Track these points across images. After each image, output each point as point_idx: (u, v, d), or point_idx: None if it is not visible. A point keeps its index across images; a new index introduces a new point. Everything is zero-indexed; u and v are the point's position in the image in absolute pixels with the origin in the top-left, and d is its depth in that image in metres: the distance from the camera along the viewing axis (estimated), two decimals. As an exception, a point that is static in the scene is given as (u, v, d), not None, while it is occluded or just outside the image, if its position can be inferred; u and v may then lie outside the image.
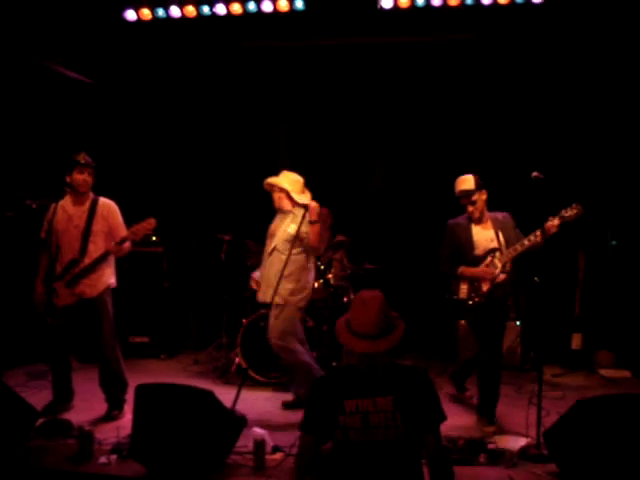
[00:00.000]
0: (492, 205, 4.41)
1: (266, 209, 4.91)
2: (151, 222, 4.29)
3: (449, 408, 4.40)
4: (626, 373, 5.69)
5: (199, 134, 7.26)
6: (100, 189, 4.61)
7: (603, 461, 3.08)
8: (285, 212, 4.76)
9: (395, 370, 2.66)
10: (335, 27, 5.89)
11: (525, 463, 3.52)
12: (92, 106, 6.85)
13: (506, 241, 4.24)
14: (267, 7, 5.58)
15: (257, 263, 5.22)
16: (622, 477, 3.05)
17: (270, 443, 3.60)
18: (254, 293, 5.00)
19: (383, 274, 6.15)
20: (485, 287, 4.21)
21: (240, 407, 4.01)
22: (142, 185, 7.06)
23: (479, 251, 4.26)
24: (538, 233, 4.02)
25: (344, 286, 5.93)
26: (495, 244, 4.25)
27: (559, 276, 6.07)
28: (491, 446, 3.57)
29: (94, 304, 4.42)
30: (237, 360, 5.52)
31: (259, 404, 4.85)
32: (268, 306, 4.60)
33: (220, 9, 5.66)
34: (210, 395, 3.36)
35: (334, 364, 5.57)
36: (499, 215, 4.38)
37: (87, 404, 4.63)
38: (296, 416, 4.26)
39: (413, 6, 5.46)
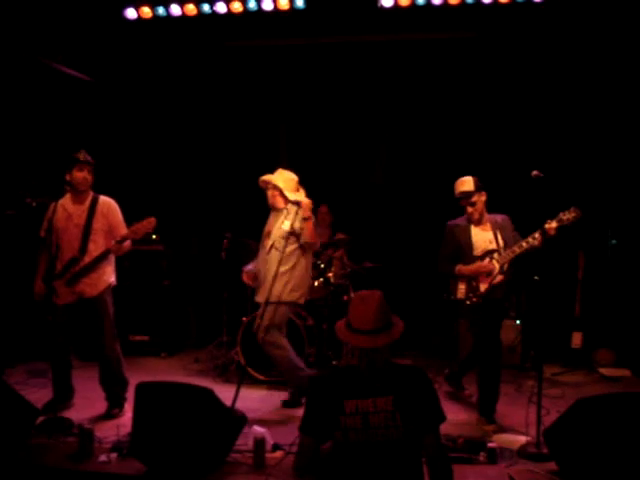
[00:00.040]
0: (492, 205, 4.42)
1: (266, 208, 4.92)
2: (152, 221, 4.29)
3: (448, 406, 4.44)
4: (626, 372, 5.69)
5: (199, 132, 7.27)
6: (100, 187, 4.61)
7: (603, 460, 3.08)
8: (279, 210, 4.78)
9: (394, 370, 2.66)
10: (335, 25, 5.89)
11: (525, 462, 3.52)
12: (92, 104, 6.85)
13: (505, 243, 4.27)
14: (267, 5, 5.58)
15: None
16: (622, 476, 3.05)
17: (270, 441, 3.60)
18: (254, 291, 5.00)
19: (383, 272, 6.15)
20: (483, 287, 4.23)
21: (240, 405, 4.01)
22: (142, 183, 7.07)
23: (478, 252, 4.29)
24: (537, 235, 4.04)
25: (344, 284, 5.93)
26: (494, 245, 4.28)
27: (559, 275, 6.07)
28: (491, 445, 3.57)
29: (94, 303, 4.42)
30: (237, 358, 5.53)
31: (259, 402, 4.85)
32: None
33: (221, 7, 5.66)
34: (210, 393, 3.36)
35: (334, 363, 5.57)
36: (498, 217, 4.41)
37: (87, 402, 4.63)
38: (296, 414, 4.29)
39: (413, 4, 5.46)
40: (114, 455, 3.53)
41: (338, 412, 2.59)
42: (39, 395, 4.56)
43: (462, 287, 4.29)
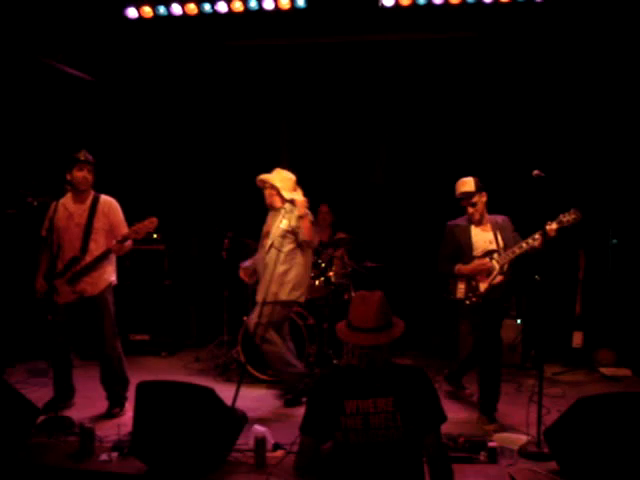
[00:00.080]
0: (493, 205, 4.42)
1: (266, 207, 4.91)
2: (153, 221, 4.29)
3: (449, 405, 4.44)
4: (627, 371, 5.68)
5: (201, 131, 7.26)
6: (102, 186, 4.61)
7: (603, 459, 3.08)
8: (276, 209, 4.78)
9: (395, 370, 2.66)
10: (336, 25, 5.89)
11: (525, 461, 3.52)
12: (93, 104, 6.85)
13: (505, 243, 4.28)
14: (268, 5, 5.58)
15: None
16: (622, 475, 3.05)
17: (271, 441, 3.60)
18: (255, 291, 5.00)
19: (384, 272, 6.16)
20: (483, 287, 4.24)
21: (241, 404, 4.01)
22: (143, 182, 7.07)
23: (478, 252, 4.30)
24: (537, 236, 4.05)
25: (345, 284, 5.93)
26: (494, 246, 4.29)
27: (560, 274, 6.08)
28: (491, 444, 3.57)
29: (95, 302, 4.43)
30: (238, 357, 5.52)
31: (260, 401, 4.85)
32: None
33: (221, 7, 5.66)
34: (211, 392, 3.36)
35: (335, 362, 5.57)
36: (499, 218, 4.42)
37: (88, 401, 4.64)
38: (297, 413, 4.29)
39: (414, 4, 5.46)
40: (115, 454, 3.53)
41: (339, 412, 2.58)
42: (40, 394, 4.56)
43: (462, 287, 4.30)
